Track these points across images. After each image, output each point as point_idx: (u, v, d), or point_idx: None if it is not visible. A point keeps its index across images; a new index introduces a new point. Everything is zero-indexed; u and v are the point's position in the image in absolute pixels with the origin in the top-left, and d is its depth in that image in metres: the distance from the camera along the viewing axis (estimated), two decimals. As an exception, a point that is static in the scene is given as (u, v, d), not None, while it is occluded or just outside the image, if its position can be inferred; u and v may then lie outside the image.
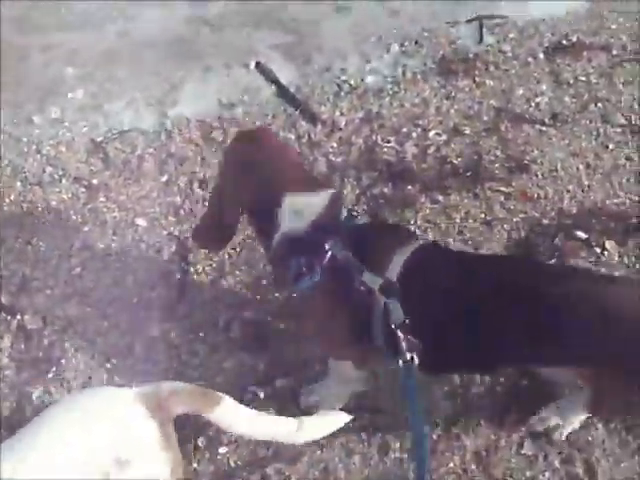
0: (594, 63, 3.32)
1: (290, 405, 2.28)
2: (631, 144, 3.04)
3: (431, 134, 3.02)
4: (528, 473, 2.19)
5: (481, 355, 1.80)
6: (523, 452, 2.25)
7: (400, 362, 1.72)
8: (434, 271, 1.80)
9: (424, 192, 2.84)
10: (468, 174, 2.90)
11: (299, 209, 1.86)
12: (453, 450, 2.22)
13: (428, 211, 2.79)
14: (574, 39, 3.36)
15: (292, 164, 2.04)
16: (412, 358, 1.72)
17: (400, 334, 1.71)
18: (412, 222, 2.76)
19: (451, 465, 2.20)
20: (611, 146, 3.02)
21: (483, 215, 2.79)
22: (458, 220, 2.77)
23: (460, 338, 1.74)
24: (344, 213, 1.91)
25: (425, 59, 3.32)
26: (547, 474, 2.20)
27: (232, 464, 2.23)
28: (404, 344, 1.72)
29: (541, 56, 3.35)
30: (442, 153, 2.97)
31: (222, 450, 2.23)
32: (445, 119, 3.08)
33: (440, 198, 2.83)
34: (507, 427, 2.26)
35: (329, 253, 1.78)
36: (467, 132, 3.04)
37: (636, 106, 3.17)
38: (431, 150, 2.97)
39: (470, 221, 2.77)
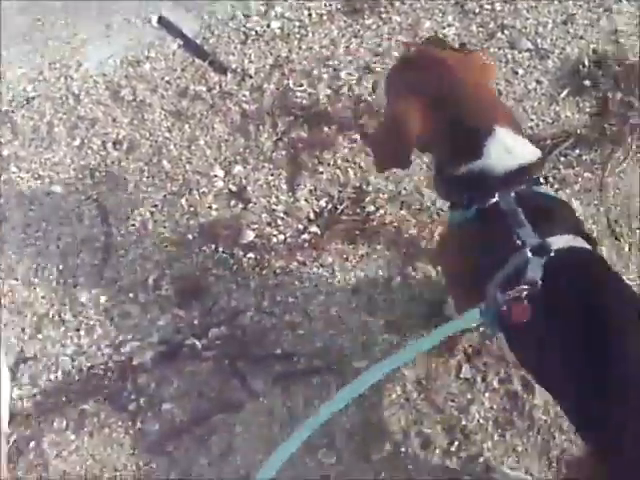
0: (497, -9, 3.28)
1: (226, 353, 2.25)
2: (540, 67, 3.01)
3: (342, 74, 3.00)
4: (469, 395, 2.20)
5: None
6: (462, 376, 2.25)
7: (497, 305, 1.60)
8: (577, 275, 1.64)
9: (341, 132, 2.78)
10: (380, 111, 2.83)
11: (510, 148, 1.73)
12: (394, 381, 2.20)
13: (347, 151, 2.74)
14: (476, -32, 3.33)
15: (494, 97, 1.95)
16: (508, 312, 1.58)
17: (523, 290, 1.58)
18: (331, 163, 2.68)
19: (393, 396, 2.20)
20: (521, 71, 3.04)
21: (403, 150, 2.72)
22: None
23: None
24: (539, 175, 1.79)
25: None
26: (487, 394, 2.21)
27: (177, 420, 2.21)
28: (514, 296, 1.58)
29: (441, -14, 3.28)
30: (355, 92, 2.90)
31: (165, 407, 2.21)
32: (355, 58, 3.02)
33: (357, 137, 2.77)
34: (445, 354, 2.24)
35: (496, 200, 1.70)
36: (378, 69, 2.99)
37: (541, 29, 3.15)
38: (344, 90, 2.93)
39: (390, 157, 2.69)
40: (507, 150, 1.71)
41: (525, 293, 1.57)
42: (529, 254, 1.59)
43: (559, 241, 1.63)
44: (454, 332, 1.68)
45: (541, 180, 1.80)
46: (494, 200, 1.69)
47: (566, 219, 1.74)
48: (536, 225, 1.63)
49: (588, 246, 1.69)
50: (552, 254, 1.58)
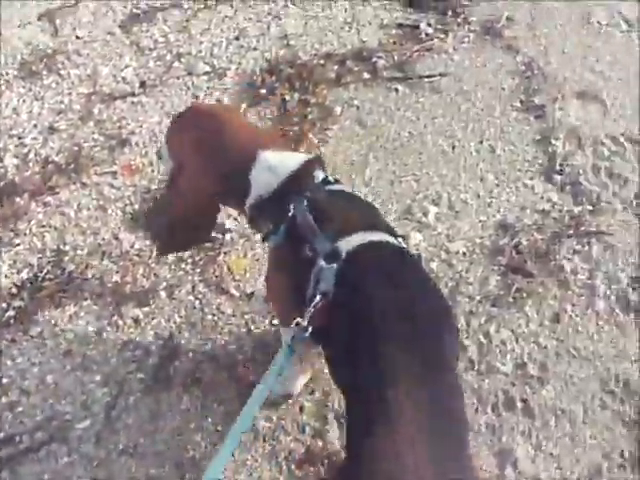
0: (170, 22, 3.36)
1: None
2: (219, 86, 3.18)
3: (27, 140, 2.96)
4: (192, 425, 2.25)
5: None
6: (183, 408, 2.28)
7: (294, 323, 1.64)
8: (370, 273, 1.66)
9: (33, 199, 2.78)
10: (72, 166, 2.86)
11: (273, 165, 1.77)
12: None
13: (41, 216, 2.75)
14: (144, 5, 3.40)
15: (256, 129, 2.02)
16: (307, 327, 1.63)
17: (316, 301, 1.62)
18: (28, 232, 2.69)
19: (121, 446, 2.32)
20: (202, 94, 3.09)
21: (96, 201, 2.76)
22: (73, 215, 2.73)
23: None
24: (319, 177, 1.80)
25: (4, 69, 3.21)
26: (210, 419, 2.25)
27: None
28: (311, 311, 1.62)
29: (117, 31, 3.33)
30: (42, 155, 2.90)
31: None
32: (39, 121, 3.03)
33: (50, 199, 2.78)
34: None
35: (292, 213, 1.70)
36: (63, 127, 3.00)
37: (216, 50, 3.26)
38: (31, 156, 2.92)
39: (84, 212, 2.73)
40: (270, 167, 1.77)
41: (319, 305, 1.60)
42: (322, 263, 1.61)
43: (352, 241, 1.65)
44: (284, 366, 1.70)
45: (330, 178, 1.82)
46: (291, 213, 1.70)
47: (360, 214, 1.77)
48: (327, 229, 1.66)
49: (388, 236, 1.71)
50: (344, 256, 1.61)
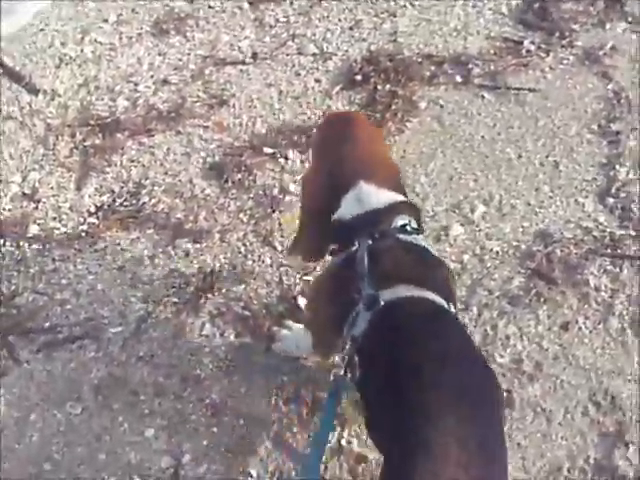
0: (295, 5, 3.67)
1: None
2: (321, 69, 3.38)
3: (141, 87, 3.34)
4: (207, 349, 2.54)
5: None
6: (204, 333, 2.58)
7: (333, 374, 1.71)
8: (401, 325, 1.65)
9: (131, 137, 3.15)
10: (172, 115, 3.21)
11: (361, 197, 1.81)
12: (139, 339, 2.68)
13: (134, 152, 3.11)
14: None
15: (378, 155, 1.98)
16: (345, 374, 1.65)
17: (349, 347, 1.65)
18: (118, 164, 3.05)
19: (140, 353, 2.64)
20: (303, 73, 3.38)
21: (183, 148, 3.10)
22: (161, 156, 3.08)
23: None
24: (398, 223, 1.80)
25: (141, 24, 3.61)
26: (223, 347, 2.54)
27: None
28: (346, 358, 1.65)
29: (246, 6, 3.68)
30: (150, 102, 3.27)
31: None
32: (156, 73, 3.41)
33: (145, 140, 3.14)
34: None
35: (355, 248, 1.74)
36: (174, 81, 3.36)
37: (329, 35, 3.53)
38: (140, 101, 3.29)
39: (171, 156, 3.08)
40: (358, 199, 1.81)
41: (349, 349, 1.64)
42: (361, 307, 1.65)
43: (396, 292, 1.66)
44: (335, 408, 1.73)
45: (417, 230, 1.82)
46: (354, 248, 1.73)
47: (415, 268, 1.72)
48: (378, 276, 1.67)
49: (434, 296, 1.68)
50: (381, 306, 1.62)
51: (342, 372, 1.66)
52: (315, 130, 2.20)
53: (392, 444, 1.49)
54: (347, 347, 1.65)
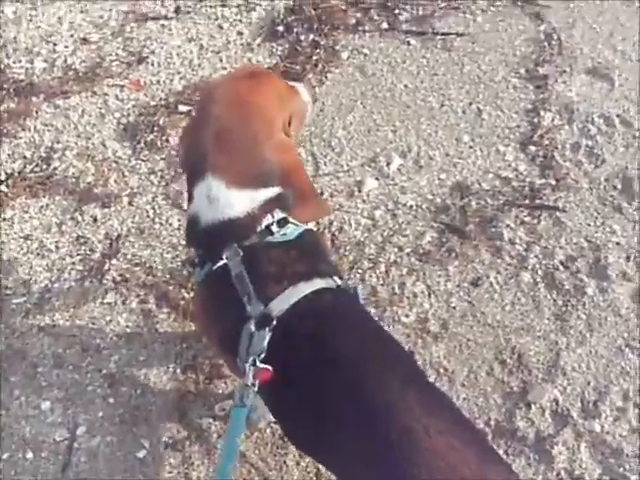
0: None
1: None
2: (245, 20, 3.28)
3: (59, 47, 3.24)
4: (108, 318, 2.49)
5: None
6: (106, 301, 2.52)
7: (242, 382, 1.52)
8: (311, 326, 1.53)
9: (46, 100, 3.07)
10: (88, 75, 3.12)
11: (210, 197, 1.59)
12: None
13: (48, 116, 3.02)
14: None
15: (250, 136, 1.62)
16: (253, 384, 1.50)
17: (251, 364, 1.51)
18: (32, 128, 2.97)
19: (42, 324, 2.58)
20: (226, 26, 3.27)
21: (98, 110, 3.03)
22: (75, 119, 3.00)
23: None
24: (265, 224, 1.61)
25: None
26: (125, 315, 2.48)
27: None
28: (251, 372, 1.50)
29: (172, -42, 3.55)
30: (68, 63, 3.18)
31: None
32: (76, 32, 3.31)
33: (60, 103, 3.06)
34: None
35: (224, 261, 1.57)
36: (94, 39, 3.26)
37: (254, -16, 3.40)
38: (58, 62, 3.20)
39: (85, 118, 3.00)
40: (209, 198, 1.59)
41: (257, 362, 1.51)
42: (252, 328, 1.51)
43: (285, 299, 1.53)
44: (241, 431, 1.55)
45: (274, 227, 1.60)
46: (224, 260, 1.56)
47: (297, 264, 1.59)
48: (261, 286, 1.54)
49: (325, 281, 1.59)
50: (275, 322, 1.51)
51: (249, 382, 1.51)
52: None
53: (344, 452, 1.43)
54: (248, 371, 1.51)
